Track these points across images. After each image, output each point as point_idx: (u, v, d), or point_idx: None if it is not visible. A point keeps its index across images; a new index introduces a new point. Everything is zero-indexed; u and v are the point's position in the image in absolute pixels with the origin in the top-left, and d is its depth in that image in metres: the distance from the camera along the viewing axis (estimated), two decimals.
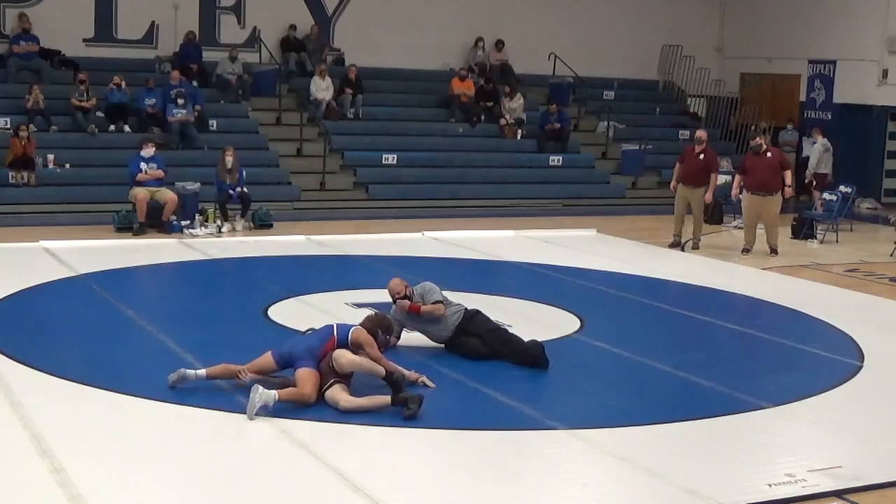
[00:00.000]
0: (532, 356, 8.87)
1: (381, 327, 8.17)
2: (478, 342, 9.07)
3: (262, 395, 7.37)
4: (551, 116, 21.71)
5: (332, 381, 7.71)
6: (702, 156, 15.66)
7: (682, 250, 15.71)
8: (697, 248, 15.73)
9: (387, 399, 7.59)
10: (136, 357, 9.23)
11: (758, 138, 15.90)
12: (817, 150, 20.18)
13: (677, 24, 24.93)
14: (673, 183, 15.99)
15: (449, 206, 19.30)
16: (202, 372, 8.02)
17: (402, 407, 7.49)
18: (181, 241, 14.88)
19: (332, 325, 8.14)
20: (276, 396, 7.45)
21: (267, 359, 8.03)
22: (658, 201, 19.98)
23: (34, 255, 13.31)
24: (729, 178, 20.24)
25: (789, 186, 15.48)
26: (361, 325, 8.13)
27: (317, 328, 8.43)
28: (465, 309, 9.28)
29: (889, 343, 10.43)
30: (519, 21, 23.56)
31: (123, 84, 18.87)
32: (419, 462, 6.90)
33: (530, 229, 17.02)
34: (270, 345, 8.26)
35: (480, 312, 9.34)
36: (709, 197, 15.82)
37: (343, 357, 7.70)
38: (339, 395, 7.62)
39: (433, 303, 9.11)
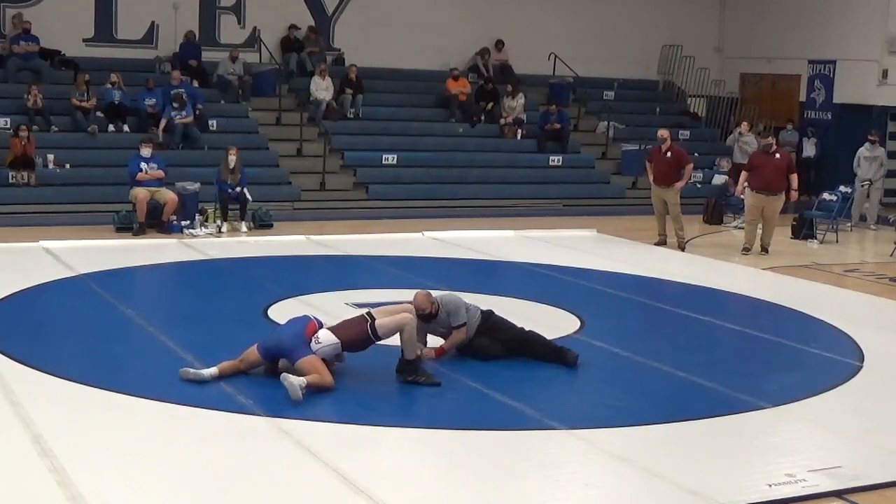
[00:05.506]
0: (560, 354, 8.99)
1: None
2: (493, 344, 9.08)
3: (295, 380, 7.60)
4: (551, 116, 21.69)
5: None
6: (668, 153, 15.72)
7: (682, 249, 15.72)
8: (683, 249, 15.66)
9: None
10: (136, 357, 9.24)
11: (770, 138, 16.00)
12: None
13: (677, 24, 24.91)
14: (650, 178, 16.03)
15: (449, 206, 19.28)
16: (214, 370, 8.14)
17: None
18: (181, 242, 14.87)
19: (307, 315, 8.49)
20: (305, 382, 7.67)
21: (252, 352, 8.27)
22: None
23: (34, 255, 13.30)
24: (726, 177, 20.39)
25: (795, 190, 15.52)
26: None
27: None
28: (481, 311, 9.27)
29: (889, 343, 10.42)
30: (519, 21, 23.53)
31: (120, 82, 18.86)
32: (419, 462, 6.90)
33: (530, 229, 17.00)
34: None
35: (494, 313, 9.33)
36: (679, 185, 15.72)
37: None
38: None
39: (457, 326, 9.00)
